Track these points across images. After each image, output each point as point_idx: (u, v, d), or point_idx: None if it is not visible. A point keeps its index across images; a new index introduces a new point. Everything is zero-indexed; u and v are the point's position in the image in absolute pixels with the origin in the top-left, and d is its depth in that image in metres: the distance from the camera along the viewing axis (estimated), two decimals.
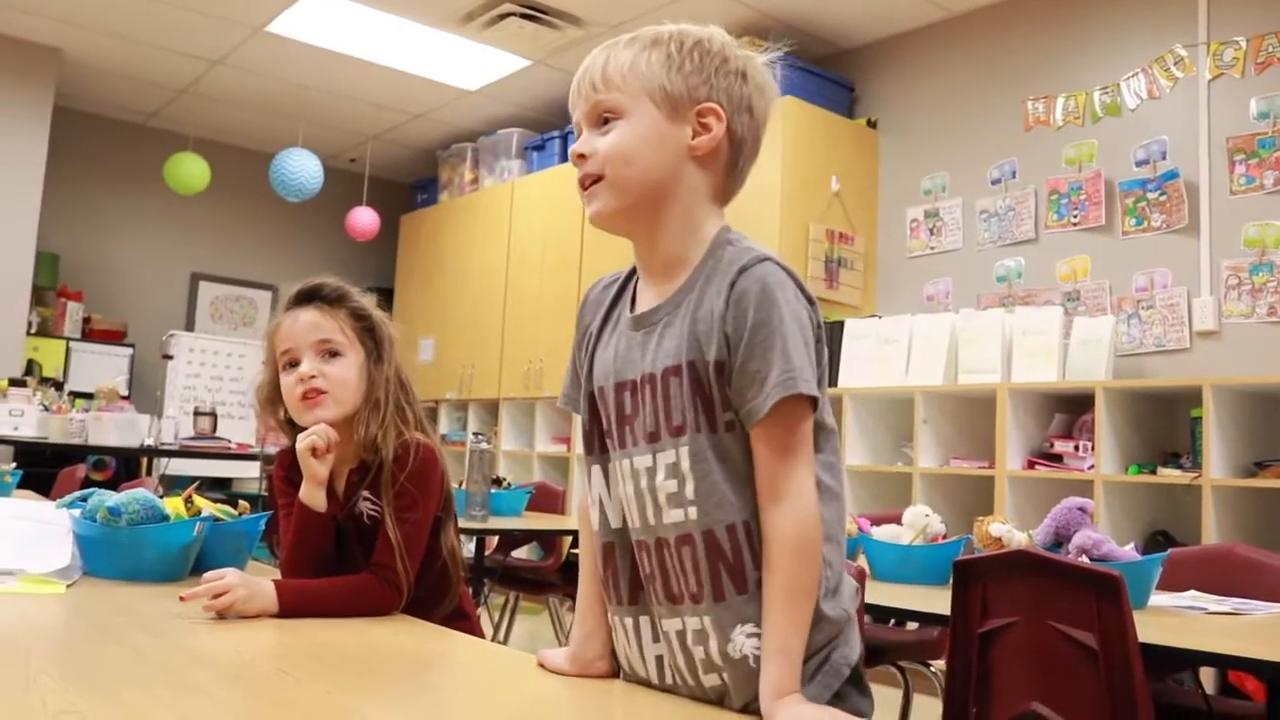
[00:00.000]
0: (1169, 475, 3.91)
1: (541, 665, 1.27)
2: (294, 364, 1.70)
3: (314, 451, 1.63)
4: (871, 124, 5.60)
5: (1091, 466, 4.03)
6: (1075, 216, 4.69)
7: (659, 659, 1.20)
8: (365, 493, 1.67)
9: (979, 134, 5.11)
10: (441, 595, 1.71)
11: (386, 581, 1.58)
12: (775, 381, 1.08)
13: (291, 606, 1.51)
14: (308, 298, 1.74)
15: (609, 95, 1.19)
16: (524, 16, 5.55)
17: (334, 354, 1.70)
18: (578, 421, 6.02)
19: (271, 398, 1.74)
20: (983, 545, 2.28)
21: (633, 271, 1.28)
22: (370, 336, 1.75)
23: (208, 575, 1.48)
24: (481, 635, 1.79)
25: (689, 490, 1.13)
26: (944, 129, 5.28)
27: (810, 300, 1.15)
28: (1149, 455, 4.09)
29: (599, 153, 1.18)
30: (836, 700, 1.13)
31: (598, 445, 1.25)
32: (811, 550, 1.10)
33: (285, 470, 1.72)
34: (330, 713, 1.05)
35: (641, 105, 1.17)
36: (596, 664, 1.26)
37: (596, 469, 1.25)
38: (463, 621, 1.72)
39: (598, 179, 1.19)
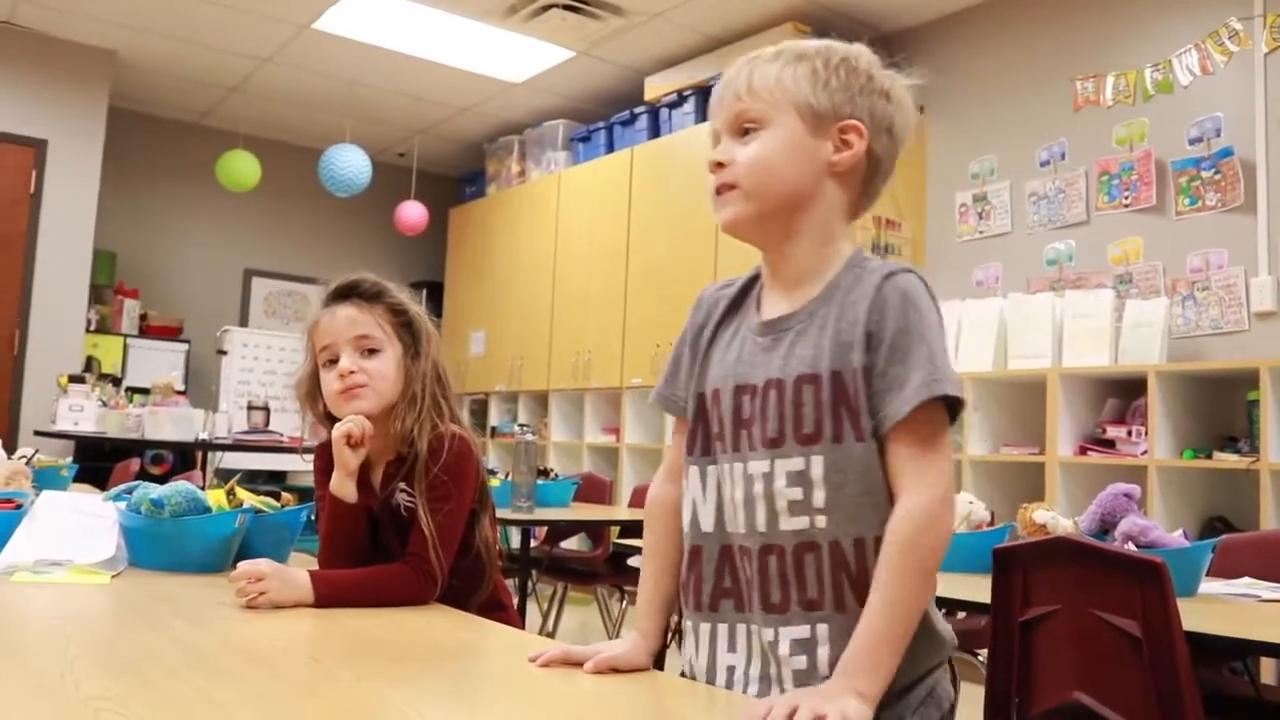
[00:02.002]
0: (1226, 460, 3.82)
1: (568, 661, 1.20)
2: (333, 360, 1.72)
3: (349, 439, 1.65)
4: (918, 108, 5.51)
5: (1145, 452, 3.96)
6: (1127, 197, 4.59)
7: (730, 669, 1.18)
8: (402, 484, 1.69)
9: (1027, 116, 5.03)
10: (475, 586, 1.72)
11: (421, 571, 1.59)
12: (919, 383, 1.07)
13: (327, 597, 1.52)
14: (345, 294, 1.75)
15: (753, 105, 1.18)
16: (566, 8, 5.55)
17: (372, 350, 1.71)
18: (627, 413, 6.10)
19: (311, 392, 1.76)
20: (1027, 532, 2.25)
21: (752, 278, 1.28)
22: (408, 331, 1.75)
23: (243, 565, 1.51)
24: (520, 625, 1.80)
25: (818, 499, 1.12)
26: (992, 111, 5.20)
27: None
28: (1205, 440, 4.00)
29: (738, 161, 1.18)
30: None
31: (700, 447, 1.23)
32: (923, 547, 1.07)
33: (324, 463, 1.74)
34: (356, 699, 1.06)
35: (785, 116, 1.17)
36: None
37: (694, 470, 1.23)
38: (499, 611, 1.73)
39: (733, 187, 1.18)
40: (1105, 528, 2.16)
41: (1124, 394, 4.23)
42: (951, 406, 1.11)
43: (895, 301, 1.12)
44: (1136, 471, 3.89)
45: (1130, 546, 2.02)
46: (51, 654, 1.20)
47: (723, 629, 1.19)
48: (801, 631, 1.13)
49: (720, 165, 1.19)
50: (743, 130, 1.19)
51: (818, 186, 1.18)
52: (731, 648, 1.19)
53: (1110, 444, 4.15)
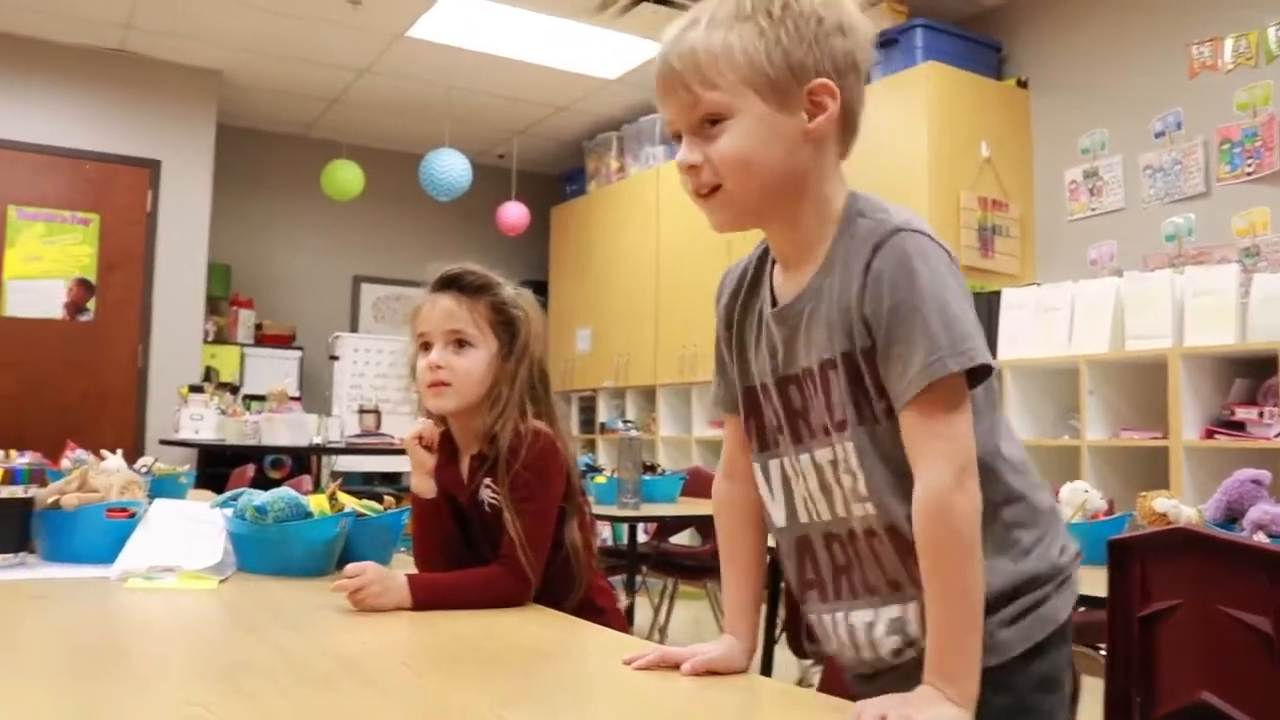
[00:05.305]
0: None
1: (665, 663, 1.18)
2: (428, 346, 1.72)
3: (420, 440, 1.65)
4: (1022, 83, 5.35)
5: (1279, 434, 3.75)
6: (1250, 165, 4.36)
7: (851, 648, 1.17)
8: (487, 480, 1.68)
9: (1139, 85, 4.81)
10: (566, 590, 1.69)
11: (514, 572, 1.58)
12: (921, 365, 1.00)
13: (424, 600, 1.53)
14: (448, 284, 1.73)
15: (708, 96, 1.06)
16: (656, 1, 5.53)
17: (465, 343, 1.70)
18: None
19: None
20: (1146, 522, 2.14)
21: (763, 253, 1.22)
22: (506, 330, 1.73)
23: (348, 568, 1.52)
24: (623, 627, 1.77)
25: (861, 485, 1.09)
26: (1100, 83, 5.00)
27: (954, 260, 1.07)
28: None
29: (712, 161, 1.08)
30: (1036, 652, 1.09)
31: (758, 442, 1.21)
32: (945, 537, 1.00)
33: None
34: (439, 704, 1.05)
35: (747, 100, 1.06)
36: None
37: (758, 466, 1.21)
38: (596, 615, 1.70)
39: (715, 188, 1.10)
40: (1232, 516, 2.05)
41: (1253, 373, 4.02)
42: (972, 371, 1.02)
43: (888, 275, 1.03)
44: (1269, 455, 3.69)
45: (1261, 537, 1.90)
46: (154, 659, 1.23)
47: (813, 620, 1.19)
48: (894, 611, 1.11)
49: (693, 168, 1.10)
50: (706, 122, 1.08)
51: (802, 160, 1.09)
52: (827, 637, 1.18)
53: (1240, 426, 3.95)
